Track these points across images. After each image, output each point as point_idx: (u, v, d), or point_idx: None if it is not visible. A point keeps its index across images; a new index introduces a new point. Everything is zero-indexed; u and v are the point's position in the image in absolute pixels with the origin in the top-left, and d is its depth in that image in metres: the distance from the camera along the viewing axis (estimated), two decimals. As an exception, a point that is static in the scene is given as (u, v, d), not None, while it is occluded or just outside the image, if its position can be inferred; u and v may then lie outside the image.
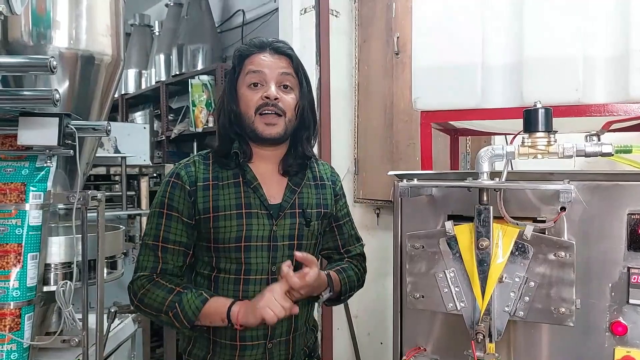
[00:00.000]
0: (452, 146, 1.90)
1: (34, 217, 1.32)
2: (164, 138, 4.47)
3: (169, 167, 3.39)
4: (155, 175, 3.74)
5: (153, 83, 4.71)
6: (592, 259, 1.11)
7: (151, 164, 3.53)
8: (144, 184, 3.40)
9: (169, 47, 4.45)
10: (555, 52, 1.29)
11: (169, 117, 4.52)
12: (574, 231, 1.12)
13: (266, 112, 1.42)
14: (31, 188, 1.32)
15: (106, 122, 1.40)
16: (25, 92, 1.23)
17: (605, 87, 1.27)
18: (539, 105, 1.08)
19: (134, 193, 3.39)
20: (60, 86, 1.54)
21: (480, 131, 1.83)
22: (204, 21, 4.28)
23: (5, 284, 1.29)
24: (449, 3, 1.43)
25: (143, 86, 4.99)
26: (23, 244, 1.30)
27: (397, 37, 2.66)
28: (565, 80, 1.28)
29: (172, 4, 4.67)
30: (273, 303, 1.31)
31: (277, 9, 3.51)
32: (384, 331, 2.92)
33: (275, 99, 1.42)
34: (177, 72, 4.28)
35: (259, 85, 1.43)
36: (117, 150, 3.15)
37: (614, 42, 1.27)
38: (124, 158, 3.13)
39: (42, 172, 1.33)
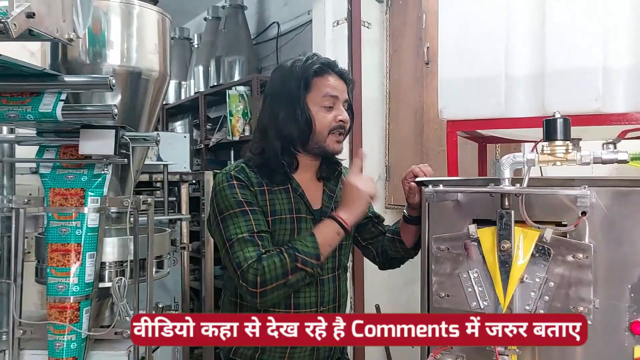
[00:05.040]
0: (480, 154, 1.97)
1: (92, 219, 1.45)
2: (202, 146, 4.62)
3: (208, 175, 3.54)
4: (194, 182, 3.89)
5: (192, 94, 4.88)
6: (613, 261, 1.15)
7: (191, 172, 3.68)
8: (184, 190, 3.55)
9: (208, 59, 4.61)
10: (576, 64, 1.35)
11: (207, 126, 4.68)
12: (595, 235, 1.17)
13: (339, 132, 1.55)
14: (89, 193, 1.45)
15: (156, 133, 1.52)
16: (88, 108, 1.36)
17: (624, 97, 1.33)
18: (557, 116, 1.15)
19: (174, 199, 3.53)
20: (114, 100, 1.67)
21: (507, 139, 1.89)
22: (241, 34, 4.43)
23: (66, 279, 1.42)
24: (473, 18, 1.50)
25: (183, 97, 5.17)
26: (82, 243, 1.43)
27: (428, 47, 2.73)
28: (585, 91, 1.34)
29: (210, 18, 4.84)
30: (362, 183, 1.46)
31: (310, 21, 3.62)
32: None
33: (346, 122, 1.56)
34: (215, 83, 4.44)
35: (332, 107, 1.54)
36: (159, 158, 3.30)
37: (632, 53, 1.33)
38: (166, 166, 3.28)
39: (99, 179, 1.46)
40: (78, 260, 1.43)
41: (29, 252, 1.68)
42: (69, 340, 1.42)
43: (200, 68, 4.72)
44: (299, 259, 1.39)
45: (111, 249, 1.55)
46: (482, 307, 1.22)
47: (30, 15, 0.85)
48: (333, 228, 1.44)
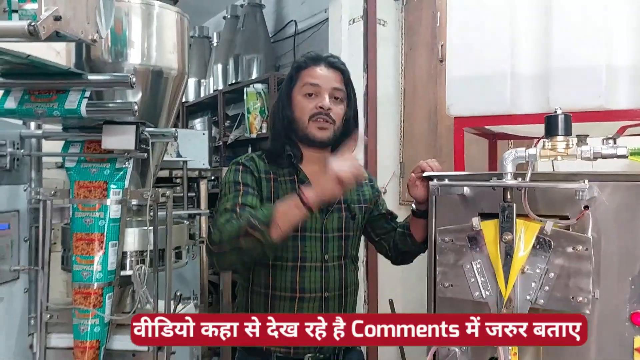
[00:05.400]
0: (490, 150, 2.01)
1: (114, 210, 1.52)
2: (221, 143, 4.70)
3: (225, 171, 3.62)
4: (213, 178, 3.97)
5: (211, 92, 4.96)
6: (615, 254, 1.18)
7: (209, 168, 3.77)
8: (203, 186, 3.62)
9: (226, 57, 4.68)
10: (579, 62, 1.38)
11: (226, 124, 4.75)
12: (597, 228, 1.20)
13: (319, 118, 1.59)
14: (112, 186, 1.53)
15: (174, 129, 1.59)
16: (110, 104, 1.44)
17: (626, 94, 1.36)
18: (559, 112, 1.19)
19: (193, 194, 3.61)
20: (134, 97, 1.73)
21: (518, 135, 1.93)
22: (259, 32, 4.49)
23: (90, 267, 1.50)
24: (480, 17, 1.54)
25: (202, 95, 5.25)
26: (105, 233, 1.50)
27: (442, 45, 2.76)
28: (589, 88, 1.37)
29: (229, 17, 4.90)
30: (338, 165, 1.40)
31: (327, 19, 3.67)
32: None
33: (328, 109, 1.59)
34: (234, 81, 4.51)
35: (313, 95, 1.60)
36: (179, 155, 3.39)
37: (635, 51, 1.36)
38: (185, 162, 3.36)
39: (121, 172, 1.54)
40: (101, 249, 1.50)
41: (54, 243, 1.76)
42: (93, 324, 1.50)
43: (219, 66, 4.79)
44: (250, 223, 1.39)
45: (132, 239, 1.62)
46: (484, 296, 1.26)
47: (58, 18, 0.92)
48: (294, 201, 1.41)
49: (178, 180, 3.63)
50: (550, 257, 1.20)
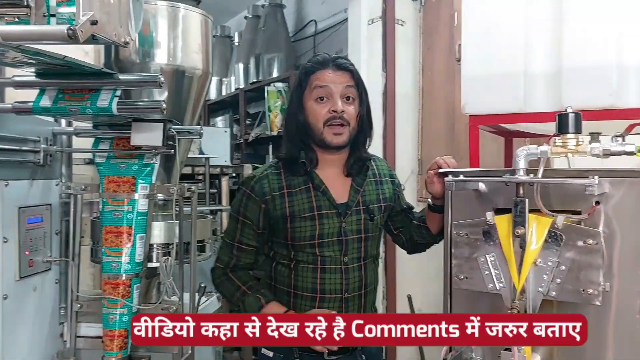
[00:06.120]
0: (506, 147, 2.04)
1: (142, 204, 1.59)
2: (242, 141, 4.78)
3: (247, 168, 3.69)
4: (234, 175, 4.05)
5: (233, 90, 5.04)
6: (626, 248, 1.21)
7: (231, 165, 3.84)
8: (225, 183, 3.70)
9: (247, 56, 4.76)
10: (591, 61, 1.41)
11: (247, 122, 4.83)
12: (609, 223, 1.23)
13: (334, 123, 1.61)
14: (140, 181, 1.59)
15: (199, 126, 1.66)
16: (139, 103, 1.51)
17: (637, 92, 1.39)
18: (569, 110, 1.23)
19: (215, 191, 3.69)
20: (161, 96, 1.80)
21: (533, 133, 1.96)
22: (279, 32, 4.56)
23: (119, 258, 1.56)
24: (494, 18, 1.58)
25: (224, 93, 5.34)
26: (133, 226, 1.56)
27: (459, 45, 2.79)
28: (600, 87, 1.40)
29: (250, 17, 4.98)
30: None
31: (346, 19, 3.72)
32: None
33: (342, 112, 1.60)
34: (255, 80, 4.59)
35: (325, 99, 1.61)
36: (201, 152, 3.47)
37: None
38: (207, 159, 3.44)
39: (149, 168, 1.60)
40: (129, 241, 1.56)
41: (82, 237, 1.84)
42: (122, 313, 1.56)
43: (241, 65, 4.87)
44: (241, 306, 1.69)
45: (158, 232, 1.69)
46: (497, 288, 1.30)
47: (94, 23, 0.98)
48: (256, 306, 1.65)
49: (200, 177, 3.72)
50: (561, 251, 1.24)
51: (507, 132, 1.96)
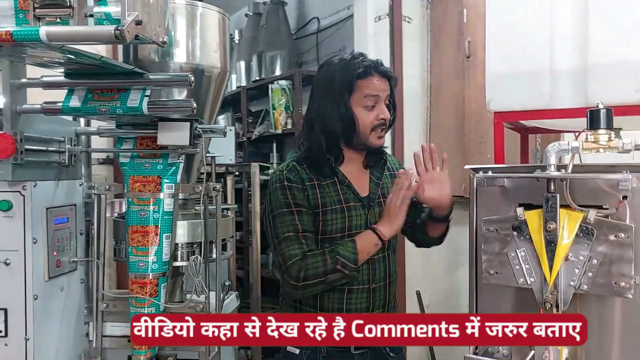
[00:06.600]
0: (522, 143, 2.06)
1: (167, 204, 1.59)
2: (244, 139, 4.78)
3: (254, 167, 3.69)
4: (237, 174, 4.05)
5: (234, 88, 5.03)
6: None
7: (235, 163, 3.84)
8: (230, 182, 3.71)
9: (249, 54, 4.76)
10: (617, 58, 1.43)
11: (249, 120, 4.83)
12: (635, 217, 1.26)
13: (380, 128, 1.68)
14: (165, 180, 1.59)
15: (224, 125, 1.66)
16: (170, 102, 1.51)
17: (664, 88, 1.41)
18: (600, 106, 1.24)
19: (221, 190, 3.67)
20: (180, 95, 1.81)
21: (548, 129, 1.98)
22: (281, 29, 4.56)
23: (145, 258, 1.57)
24: (519, 16, 1.60)
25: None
26: (159, 226, 1.57)
27: (469, 42, 2.81)
28: (626, 83, 1.42)
29: (251, 14, 4.97)
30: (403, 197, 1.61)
31: (350, 17, 3.72)
32: (456, 320, 3.07)
33: (387, 119, 1.68)
34: (257, 78, 4.58)
35: (373, 106, 1.66)
36: (207, 151, 3.46)
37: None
38: (213, 158, 3.44)
39: (174, 167, 1.60)
40: (156, 241, 1.57)
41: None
42: (149, 312, 1.57)
43: (242, 63, 4.86)
44: (339, 262, 1.58)
45: (182, 231, 1.69)
46: (529, 282, 1.31)
47: (139, 23, 0.99)
48: (372, 239, 1.61)
49: (201, 177, 3.71)
50: (593, 245, 1.25)
51: (524, 129, 1.98)
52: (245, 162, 4.34)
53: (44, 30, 0.96)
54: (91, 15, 1.10)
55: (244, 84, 4.83)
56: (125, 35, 0.95)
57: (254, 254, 3.57)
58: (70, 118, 1.69)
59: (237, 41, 5.33)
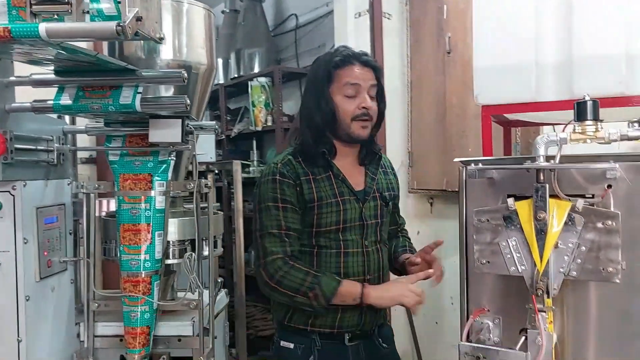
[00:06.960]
0: (505, 136, 2.10)
1: (159, 201, 1.58)
2: (223, 137, 4.75)
3: (236, 164, 3.67)
4: (216, 172, 4.02)
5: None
6: (636, 228, 1.28)
7: (217, 161, 3.82)
8: (211, 180, 3.68)
9: (227, 51, 4.73)
10: (601, 51, 1.48)
11: (227, 117, 4.80)
12: (619, 205, 1.30)
13: (362, 118, 1.66)
14: (156, 178, 1.59)
15: (214, 122, 1.66)
16: (163, 99, 1.50)
17: (645, 80, 1.46)
18: (587, 98, 1.28)
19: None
20: (167, 92, 1.80)
21: (530, 122, 2.02)
22: (259, 26, 4.55)
23: (138, 256, 1.56)
24: (505, 11, 1.63)
25: (201, 89, 5.28)
26: (151, 224, 1.57)
27: (449, 37, 2.85)
28: (610, 75, 1.47)
29: (228, 11, 4.94)
30: (409, 292, 1.60)
31: (328, 13, 3.74)
32: (439, 311, 3.12)
33: (369, 108, 1.67)
34: (236, 75, 4.56)
35: (354, 95, 1.66)
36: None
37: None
38: (194, 155, 3.41)
39: (165, 165, 1.60)
40: (148, 238, 1.57)
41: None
42: (143, 310, 1.56)
43: (220, 61, 4.83)
44: (315, 290, 1.59)
45: (173, 229, 1.69)
46: (520, 270, 1.35)
47: (139, 19, 0.98)
48: (355, 293, 1.61)
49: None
50: (581, 233, 1.30)
51: (507, 122, 2.03)
52: (226, 160, 4.32)
53: (43, 27, 0.95)
54: (87, 12, 1.09)
55: (222, 81, 4.80)
56: (127, 31, 0.95)
57: (237, 252, 3.56)
58: (55, 116, 1.67)
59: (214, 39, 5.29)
